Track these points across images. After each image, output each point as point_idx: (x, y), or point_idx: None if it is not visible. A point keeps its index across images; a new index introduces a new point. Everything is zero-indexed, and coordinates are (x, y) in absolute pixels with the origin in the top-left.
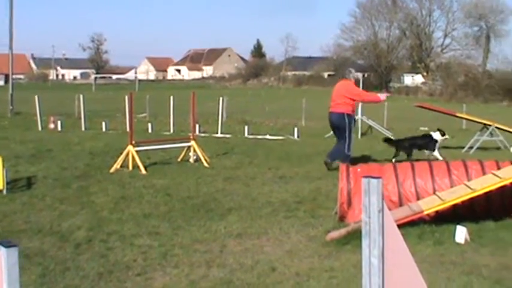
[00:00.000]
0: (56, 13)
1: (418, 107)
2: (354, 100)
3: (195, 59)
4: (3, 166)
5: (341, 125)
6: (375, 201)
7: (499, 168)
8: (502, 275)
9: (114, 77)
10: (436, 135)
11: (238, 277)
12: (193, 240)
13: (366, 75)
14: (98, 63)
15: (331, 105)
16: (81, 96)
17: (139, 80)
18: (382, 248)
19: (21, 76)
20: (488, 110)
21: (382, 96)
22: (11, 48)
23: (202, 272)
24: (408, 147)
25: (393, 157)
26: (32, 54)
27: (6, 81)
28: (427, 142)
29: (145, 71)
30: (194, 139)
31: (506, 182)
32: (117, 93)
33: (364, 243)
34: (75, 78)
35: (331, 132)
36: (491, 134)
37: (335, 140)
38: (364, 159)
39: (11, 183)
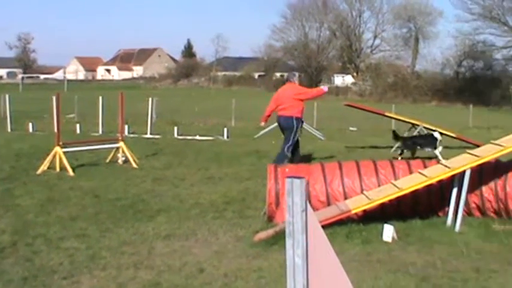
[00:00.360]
0: None
1: (347, 106)
2: (302, 101)
3: (125, 59)
4: None
5: (289, 127)
6: (298, 201)
7: (425, 167)
8: (428, 273)
9: (42, 76)
10: (437, 135)
11: (166, 279)
12: (121, 243)
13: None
14: (25, 62)
15: (279, 109)
16: (6, 96)
17: (68, 80)
18: (306, 248)
19: None
20: (417, 110)
21: (325, 88)
22: None
23: (130, 274)
24: (411, 146)
25: (399, 154)
26: None
27: None
28: (429, 141)
29: (74, 71)
30: (123, 140)
31: (433, 181)
32: (45, 93)
33: (288, 243)
34: (1, 77)
35: (261, 133)
36: (419, 134)
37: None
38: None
39: None
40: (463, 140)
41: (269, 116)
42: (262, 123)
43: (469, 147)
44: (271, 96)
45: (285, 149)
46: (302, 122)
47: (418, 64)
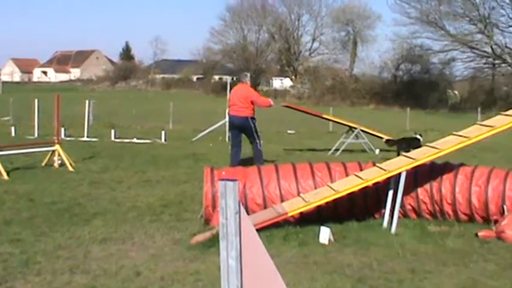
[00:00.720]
0: None
1: (286, 107)
2: (253, 103)
3: (62, 61)
4: None
5: (247, 128)
6: (231, 203)
7: (361, 169)
8: (364, 274)
9: None
10: (419, 137)
11: (102, 283)
12: (56, 247)
13: (234, 78)
14: None
15: (231, 109)
16: None
17: (3, 82)
18: (240, 250)
19: None
20: (354, 113)
21: (272, 102)
22: None
23: (66, 278)
24: (406, 147)
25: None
26: None
27: None
28: (417, 144)
29: (10, 73)
30: (59, 143)
31: (369, 183)
32: None
33: (222, 245)
34: None
35: (199, 135)
36: (356, 137)
37: (231, 142)
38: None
39: None
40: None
41: None
42: None
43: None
44: (210, 99)
45: (258, 146)
46: (255, 119)
47: (356, 67)
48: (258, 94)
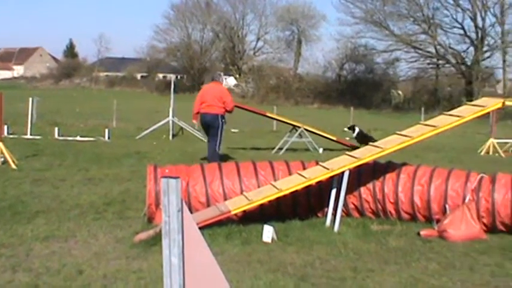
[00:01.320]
0: None
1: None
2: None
3: (5, 58)
4: None
5: (215, 125)
6: (174, 200)
7: (304, 168)
8: (306, 272)
9: None
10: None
11: (45, 281)
12: None
13: (179, 77)
14: None
15: (202, 106)
16: None
17: None
18: (182, 248)
19: None
20: (298, 111)
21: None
22: None
23: (8, 277)
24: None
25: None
26: None
27: None
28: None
29: None
30: (1, 140)
31: (312, 182)
32: None
33: (165, 242)
34: None
35: (143, 133)
36: (300, 136)
37: (207, 138)
38: (174, 159)
39: None
40: (342, 143)
41: (198, 113)
42: (195, 121)
43: (349, 149)
44: (154, 97)
45: (216, 147)
46: (225, 120)
47: (300, 67)
48: (230, 97)
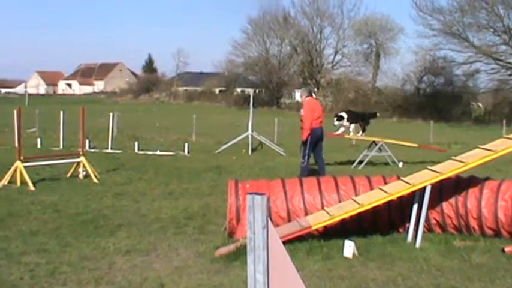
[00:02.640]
0: None
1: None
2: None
3: (86, 74)
4: None
5: (322, 140)
6: (259, 217)
7: (386, 183)
8: None
9: (3, 90)
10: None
11: None
12: (81, 257)
13: (257, 91)
14: None
15: (316, 122)
16: None
17: (29, 94)
18: (267, 264)
19: None
20: (377, 125)
21: None
22: None
23: None
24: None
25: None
26: None
27: None
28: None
29: (36, 85)
30: (83, 155)
31: (393, 197)
32: (6, 108)
33: (249, 259)
34: None
35: (222, 148)
36: (379, 150)
37: (308, 154)
38: (254, 174)
39: None
40: (428, 148)
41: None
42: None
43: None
44: (233, 111)
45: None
46: None
47: (378, 80)
48: None
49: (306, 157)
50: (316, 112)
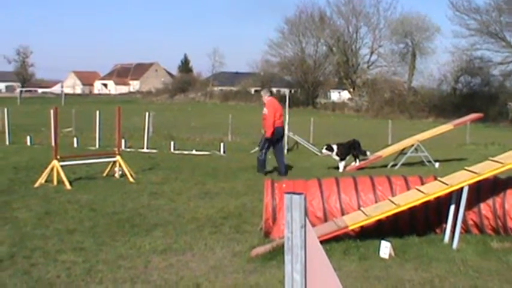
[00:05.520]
0: None
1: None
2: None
3: (121, 74)
4: None
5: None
6: (297, 217)
7: (423, 183)
8: None
9: (40, 90)
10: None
11: None
12: (117, 256)
13: (293, 91)
14: (23, 76)
15: (277, 121)
16: (5, 110)
17: (66, 94)
18: (305, 264)
19: None
20: (413, 126)
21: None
22: None
23: None
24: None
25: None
26: None
27: None
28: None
29: (72, 85)
30: (120, 154)
31: (430, 198)
32: (43, 107)
33: (287, 258)
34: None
35: (257, 148)
36: (416, 150)
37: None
38: (290, 174)
39: None
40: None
41: None
42: None
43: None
44: None
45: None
46: None
47: (415, 80)
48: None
49: (264, 151)
50: (278, 112)
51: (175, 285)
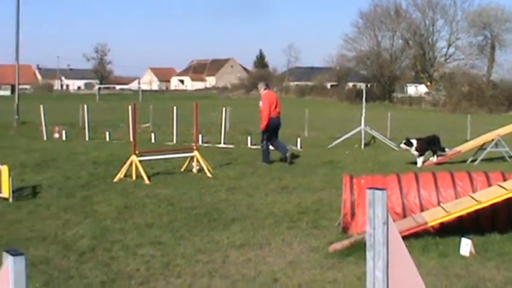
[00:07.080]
0: (61, 24)
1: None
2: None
3: (198, 70)
4: (10, 175)
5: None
6: (379, 212)
7: (505, 179)
8: None
9: (118, 87)
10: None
11: None
12: (195, 251)
13: (369, 85)
14: (101, 73)
15: (273, 112)
16: (85, 106)
17: (143, 91)
18: (387, 261)
19: (27, 86)
20: (493, 120)
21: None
22: (17, 59)
23: (205, 282)
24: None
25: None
26: (38, 65)
27: (13, 92)
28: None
29: (149, 82)
30: (197, 149)
31: None
32: (121, 104)
33: (369, 255)
34: (79, 88)
35: (335, 142)
36: (496, 145)
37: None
38: (367, 169)
39: (16, 192)
40: None
41: None
42: None
43: None
44: (344, 106)
45: None
46: None
47: (494, 73)
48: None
49: (265, 141)
50: (273, 104)
51: (253, 280)
